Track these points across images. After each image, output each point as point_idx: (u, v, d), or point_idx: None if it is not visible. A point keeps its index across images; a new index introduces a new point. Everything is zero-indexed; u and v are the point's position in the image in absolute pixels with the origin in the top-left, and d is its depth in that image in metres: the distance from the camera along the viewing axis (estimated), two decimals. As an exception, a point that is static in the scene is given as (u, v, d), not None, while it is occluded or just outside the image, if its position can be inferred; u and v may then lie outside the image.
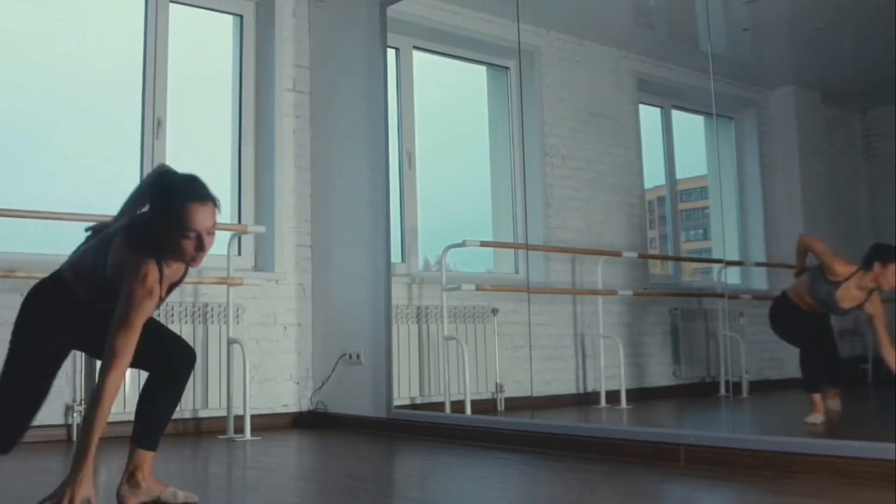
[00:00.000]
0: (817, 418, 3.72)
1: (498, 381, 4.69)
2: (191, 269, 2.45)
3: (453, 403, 4.36)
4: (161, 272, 2.25)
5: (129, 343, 2.20)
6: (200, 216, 2.21)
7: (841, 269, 3.69)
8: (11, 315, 3.77)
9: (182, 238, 2.21)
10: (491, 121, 5.31)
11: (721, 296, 5.04)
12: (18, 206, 3.90)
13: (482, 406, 4.51)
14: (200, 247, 2.22)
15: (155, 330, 2.45)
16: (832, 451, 2.74)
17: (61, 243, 4.30)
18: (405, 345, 4.50)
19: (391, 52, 4.75)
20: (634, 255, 5.38)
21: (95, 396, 2.19)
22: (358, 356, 4.56)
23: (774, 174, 5.28)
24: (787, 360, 4.95)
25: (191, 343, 2.92)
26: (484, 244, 5.04)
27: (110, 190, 4.53)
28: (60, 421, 4.01)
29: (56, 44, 4.43)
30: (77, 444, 2.21)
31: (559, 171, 5.28)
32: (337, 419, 4.58)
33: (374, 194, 4.54)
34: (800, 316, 3.87)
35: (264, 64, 4.99)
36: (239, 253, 4.80)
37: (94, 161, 4.52)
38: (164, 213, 2.23)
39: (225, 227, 4.65)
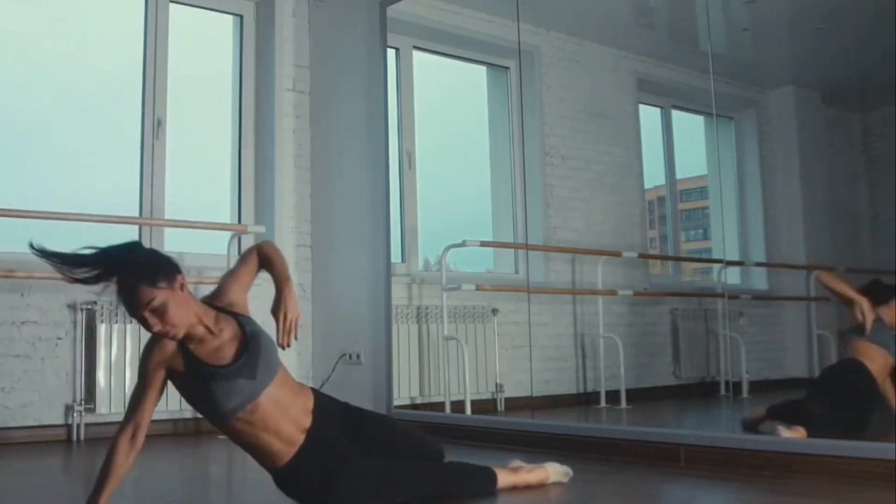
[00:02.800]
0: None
1: (498, 381, 4.69)
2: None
3: (453, 403, 4.36)
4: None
5: (135, 395, 2.14)
6: (129, 306, 2.05)
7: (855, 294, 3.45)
8: (11, 315, 3.78)
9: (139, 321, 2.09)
10: (491, 121, 5.30)
11: (721, 296, 5.04)
12: (18, 206, 3.89)
13: (482, 406, 4.50)
14: (151, 326, 2.06)
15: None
16: (832, 451, 2.73)
17: (61, 243, 4.31)
18: (405, 345, 4.49)
19: (391, 52, 4.74)
20: (634, 255, 5.38)
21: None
22: (358, 356, 4.55)
23: (774, 174, 5.27)
24: (787, 360, 4.96)
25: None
26: (484, 244, 5.04)
27: (110, 190, 4.54)
28: (60, 421, 4.01)
29: (56, 44, 4.43)
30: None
31: (559, 171, 5.28)
32: (337, 419, 4.57)
33: (374, 194, 4.54)
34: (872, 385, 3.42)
35: (264, 64, 4.99)
36: (239, 253, 4.80)
37: (94, 161, 4.51)
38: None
39: (225, 227, 4.65)
